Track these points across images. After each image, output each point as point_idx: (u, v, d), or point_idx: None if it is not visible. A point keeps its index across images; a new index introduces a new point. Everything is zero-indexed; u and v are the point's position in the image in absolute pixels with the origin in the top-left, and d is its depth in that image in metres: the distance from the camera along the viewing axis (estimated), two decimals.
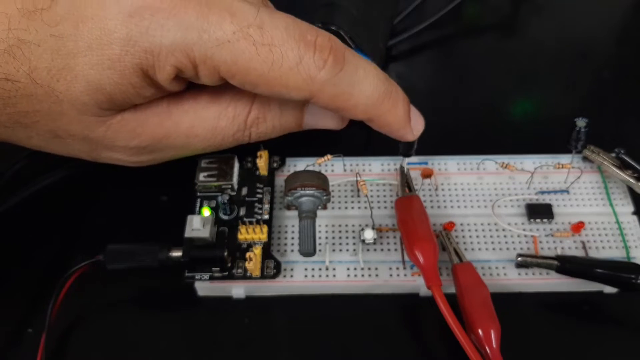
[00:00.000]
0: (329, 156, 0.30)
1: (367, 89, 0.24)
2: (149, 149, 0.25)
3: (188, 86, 0.25)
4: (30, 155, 0.31)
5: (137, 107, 0.24)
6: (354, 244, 0.28)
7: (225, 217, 0.29)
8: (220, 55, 0.22)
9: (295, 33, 0.22)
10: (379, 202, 0.30)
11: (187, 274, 0.27)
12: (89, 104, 0.23)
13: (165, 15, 0.21)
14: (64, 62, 0.22)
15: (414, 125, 0.26)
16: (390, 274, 0.27)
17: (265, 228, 0.28)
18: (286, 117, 0.26)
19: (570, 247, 0.28)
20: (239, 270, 0.27)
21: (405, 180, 0.29)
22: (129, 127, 0.24)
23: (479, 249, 0.28)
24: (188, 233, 0.27)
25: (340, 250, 0.28)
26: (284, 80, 0.22)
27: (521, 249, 0.28)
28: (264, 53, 0.22)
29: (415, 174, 0.30)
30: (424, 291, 0.27)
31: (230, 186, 0.29)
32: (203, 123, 0.25)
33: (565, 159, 0.31)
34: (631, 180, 0.29)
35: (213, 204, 0.29)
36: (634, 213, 0.29)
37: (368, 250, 0.28)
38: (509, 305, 0.26)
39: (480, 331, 0.24)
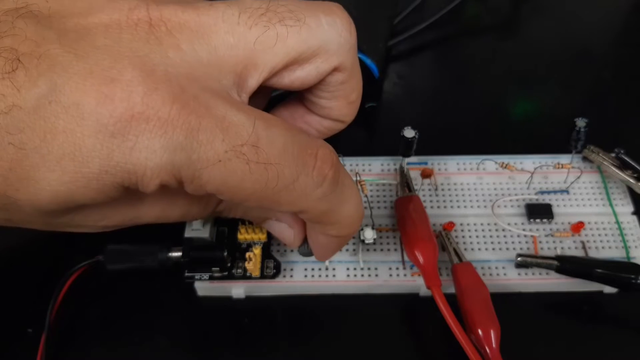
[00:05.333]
0: None
1: (351, 209, 0.22)
2: (115, 228, 0.24)
3: None
4: None
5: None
6: (354, 244, 0.28)
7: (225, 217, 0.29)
8: (209, 175, 0.19)
9: (295, 149, 0.20)
10: (378, 202, 0.30)
11: (187, 274, 0.27)
12: (56, 211, 0.20)
13: (151, 136, 0.18)
14: (26, 174, 0.18)
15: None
16: (390, 274, 0.27)
17: (265, 228, 0.28)
18: (252, 215, 0.26)
19: (570, 247, 0.28)
20: (239, 270, 0.27)
21: (405, 180, 0.29)
22: (99, 215, 0.22)
23: (479, 249, 0.28)
24: (188, 233, 0.27)
25: (340, 250, 0.28)
26: (276, 198, 0.20)
27: (521, 249, 0.28)
28: (258, 172, 0.19)
29: (415, 174, 0.30)
30: (423, 291, 0.27)
31: None
32: (175, 210, 0.23)
33: (565, 159, 0.31)
34: (631, 180, 0.29)
35: None
36: (634, 213, 0.29)
37: (368, 250, 0.28)
38: (508, 305, 0.26)
39: (480, 331, 0.24)
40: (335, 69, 0.22)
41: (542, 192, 0.30)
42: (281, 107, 0.25)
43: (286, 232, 0.25)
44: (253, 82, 0.21)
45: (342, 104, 0.24)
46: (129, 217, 0.23)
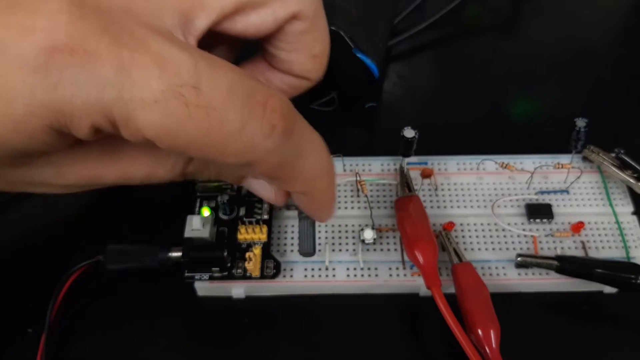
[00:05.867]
0: None
1: (311, 162, 0.21)
2: (77, 187, 0.22)
3: None
4: None
5: (64, 149, 0.21)
6: (354, 244, 0.28)
7: (225, 217, 0.29)
8: (144, 117, 0.18)
9: (241, 95, 0.18)
10: (378, 202, 0.30)
11: (186, 274, 0.27)
12: None
13: (77, 71, 0.17)
14: None
15: (332, 209, 0.24)
16: (390, 274, 0.27)
17: (265, 228, 0.28)
18: (226, 174, 0.24)
19: (570, 247, 0.28)
20: (239, 270, 0.27)
21: (405, 180, 0.29)
22: (52, 170, 0.21)
23: (479, 249, 0.28)
24: (188, 233, 0.27)
25: (340, 250, 0.28)
26: (220, 147, 0.19)
27: (521, 249, 0.28)
28: (199, 117, 0.18)
29: (415, 174, 0.30)
30: (423, 291, 0.27)
31: (230, 186, 0.29)
32: (138, 169, 0.22)
33: (565, 159, 0.31)
34: (631, 180, 0.29)
35: (213, 204, 0.29)
36: (634, 213, 0.29)
37: (368, 250, 0.28)
38: (508, 305, 0.25)
39: (480, 331, 0.24)
40: (294, 17, 0.21)
41: (542, 192, 0.30)
42: (243, 62, 0.24)
43: (266, 188, 0.24)
44: (200, 24, 0.19)
45: (303, 57, 0.22)
46: (87, 175, 0.22)
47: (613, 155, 0.30)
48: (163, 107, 0.17)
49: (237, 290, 0.27)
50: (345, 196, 0.30)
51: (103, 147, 0.21)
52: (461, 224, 0.29)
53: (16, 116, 0.17)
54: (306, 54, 0.22)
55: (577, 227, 0.28)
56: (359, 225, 0.29)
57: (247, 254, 0.27)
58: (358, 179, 0.30)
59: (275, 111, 0.19)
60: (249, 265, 0.26)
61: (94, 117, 0.18)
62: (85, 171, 0.21)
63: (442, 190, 0.30)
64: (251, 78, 0.19)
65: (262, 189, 0.24)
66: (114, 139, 0.20)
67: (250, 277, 0.27)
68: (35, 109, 0.17)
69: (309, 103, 0.33)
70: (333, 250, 0.28)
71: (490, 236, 0.28)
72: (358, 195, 0.30)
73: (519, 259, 0.27)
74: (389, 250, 0.28)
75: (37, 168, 0.20)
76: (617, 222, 0.29)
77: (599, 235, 0.28)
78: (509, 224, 0.29)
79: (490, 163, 0.31)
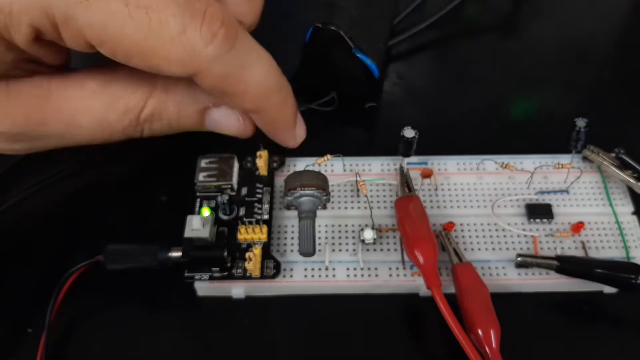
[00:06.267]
0: (329, 156, 0.30)
1: (258, 75, 0.21)
2: (24, 136, 0.22)
3: (73, 68, 0.22)
4: (30, 155, 0.31)
5: (9, 82, 0.21)
6: (354, 244, 0.28)
7: (224, 217, 0.29)
8: (84, 16, 0.18)
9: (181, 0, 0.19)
10: (378, 202, 0.30)
11: (186, 274, 0.27)
12: None
13: None
14: None
15: (297, 131, 0.24)
16: (390, 274, 0.27)
17: (264, 228, 0.28)
18: (185, 115, 0.24)
19: (570, 247, 0.28)
20: (239, 271, 0.27)
21: (405, 180, 0.29)
22: None
23: (479, 249, 0.28)
24: (188, 233, 0.27)
25: (340, 250, 0.28)
26: (163, 51, 0.19)
27: (521, 249, 0.28)
28: (139, 17, 0.18)
29: (415, 174, 0.30)
30: (423, 291, 0.27)
31: (229, 186, 0.29)
32: (88, 113, 0.22)
33: (565, 159, 0.31)
34: (631, 180, 0.29)
35: (213, 204, 0.29)
36: (634, 213, 0.29)
37: (368, 250, 0.28)
38: (508, 305, 0.25)
39: (480, 331, 0.24)
40: None
41: (542, 192, 0.30)
42: None
43: (231, 118, 0.24)
44: None
45: None
46: (35, 120, 0.21)
47: (613, 155, 0.30)
48: (103, 5, 0.18)
49: (237, 290, 0.27)
50: (345, 196, 0.30)
51: (52, 84, 0.21)
52: (461, 224, 0.29)
53: None
54: None
55: (577, 227, 0.28)
56: (359, 225, 0.29)
57: (247, 254, 0.27)
58: (358, 179, 0.30)
59: (215, 18, 0.19)
60: (249, 265, 0.26)
61: (34, 15, 0.18)
62: (34, 113, 0.21)
63: (442, 190, 0.30)
64: None
65: (226, 119, 0.24)
66: (66, 78, 0.20)
67: (250, 277, 0.27)
68: None
69: (309, 103, 0.33)
70: (333, 250, 0.28)
71: (490, 236, 0.28)
72: (358, 195, 0.30)
73: (519, 259, 0.27)
74: (389, 250, 0.28)
75: None
76: (617, 222, 0.29)
77: (599, 235, 0.28)
78: (509, 224, 0.29)
79: (490, 163, 0.31)
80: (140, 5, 0.18)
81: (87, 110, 0.22)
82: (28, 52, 0.20)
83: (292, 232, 0.29)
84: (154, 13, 0.18)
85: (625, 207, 0.29)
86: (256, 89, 0.21)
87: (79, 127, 0.22)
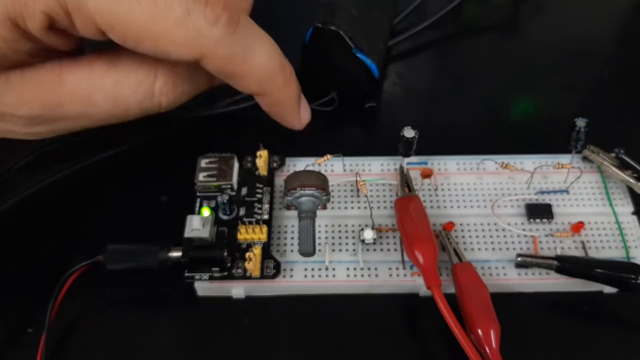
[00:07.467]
0: (329, 156, 0.30)
1: (262, 56, 0.22)
2: (42, 119, 0.23)
3: (84, 50, 0.23)
4: (30, 155, 0.31)
5: (24, 70, 0.22)
6: (354, 244, 0.28)
7: (224, 217, 0.29)
8: (95, 2, 0.19)
9: None
10: (378, 202, 0.30)
11: (186, 274, 0.27)
12: None
13: None
14: None
15: (302, 113, 0.25)
16: (390, 274, 0.27)
17: (264, 228, 0.28)
18: (197, 77, 0.24)
19: (570, 247, 0.28)
20: (239, 270, 0.27)
21: (405, 180, 0.29)
22: (15, 91, 0.22)
23: (479, 249, 0.28)
24: (188, 233, 0.27)
25: (340, 250, 0.28)
26: (170, 35, 0.20)
27: (521, 249, 0.28)
28: (146, 2, 0.20)
29: (415, 174, 0.30)
30: (423, 291, 0.27)
31: (229, 186, 0.29)
32: (102, 91, 0.23)
33: (565, 159, 0.31)
34: (631, 180, 0.29)
35: (213, 204, 0.29)
36: (634, 213, 0.29)
37: (368, 250, 0.28)
38: (508, 305, 0.25)
39: (480, 331, 0.24)
40: None
41: (542, 192, 0.30)
42: None
43: None
44: None
45: None
46: (51, 102, 0.22)
47: (613, 155, 0.30)
48: None
49: (237, 290, 0.27)
50: (345, 196, 0.30)
51: (64, 68, 0.22)
52: (461, 224, 0.29)
53: None
54: None
55: (577, 227, 0.28)
56: (359, 225, 0.29)
57: (247, 254, 0.27)
58: (358, 179, 0.30)
59: (217, 2, 0.20)
60: (249, 265, 0.26)
61: (47, 2, 0.19)
62: (49, 96, 0.22)
63: (442, 190, 0.30)
64: None
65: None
66: (76, 61, 0.21)
67: (250, 277, 0.27)
68: None
69: (309, 103, 0.33)
70: (333, 250, 0.28)
71: (490, 236, 0.28)
72: (358, 196, 0.30)
73: (519, 259, 0.27)
74: (389, 250, 0.28)
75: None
76: (617, 222, 0.29)
77: (599, 235, 0.28)
78: (509, 224, 0.29)
79: (490, 163, 0.31)
80: None
81: (100, 88, 0.23)
82: (42, 41, 0.21)
83: (292, 232, 0.29)
84: None
85: (625, 207, 0.29)
86: (261, 70, 0.22)
87: (94, 105, 0.23)
